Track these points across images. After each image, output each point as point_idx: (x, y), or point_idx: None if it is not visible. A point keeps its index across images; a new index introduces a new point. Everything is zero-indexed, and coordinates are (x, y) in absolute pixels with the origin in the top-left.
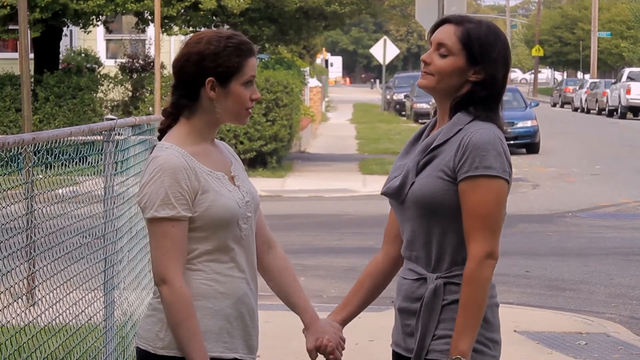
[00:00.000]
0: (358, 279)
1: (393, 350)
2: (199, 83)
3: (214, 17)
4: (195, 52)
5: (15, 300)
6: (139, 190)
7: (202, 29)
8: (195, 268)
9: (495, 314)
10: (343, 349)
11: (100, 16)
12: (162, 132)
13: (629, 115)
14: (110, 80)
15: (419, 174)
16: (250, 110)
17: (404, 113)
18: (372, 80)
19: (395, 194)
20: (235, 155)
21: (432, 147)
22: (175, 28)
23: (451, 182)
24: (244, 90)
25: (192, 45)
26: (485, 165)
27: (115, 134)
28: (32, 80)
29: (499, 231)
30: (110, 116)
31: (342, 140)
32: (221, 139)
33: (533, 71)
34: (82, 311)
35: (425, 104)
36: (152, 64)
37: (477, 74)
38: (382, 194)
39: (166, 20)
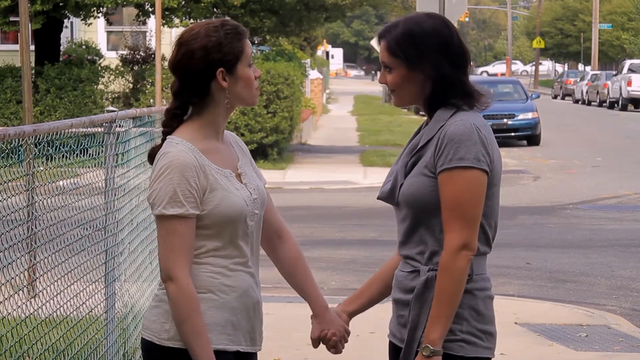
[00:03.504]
0: (374, 274)
1: (390, 341)
2: (208, 77)
3: (215, 9)
4: (199, 48)
5: (16, 292)
6: (149, 185)
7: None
8: (202, 262)
9: (489, 305)
10: (346, 341)
11: (101, 8)
12: (165, 126)
13: (630, 107)
14: (111, 72)
15: (407, 175)
16: (257, 89)
17: None
18: (373, 72)
19: (388, 197)
20: (243, 147)
21: (417, 147)
22: (176, 20)
23: (435, 178)
24: (249, 71)
25: (191, 42)
26: (458, 157)
27: (116, 126)
28: (33, 72)
29: (476, 222)
30: (111, 108)
31: (343, 132)
32: None
33: (534, 63)
34: (83, 303)
35: None
36: (152, 55)
37: (424, 72)
38: (377, 199)
39: (167, 12)
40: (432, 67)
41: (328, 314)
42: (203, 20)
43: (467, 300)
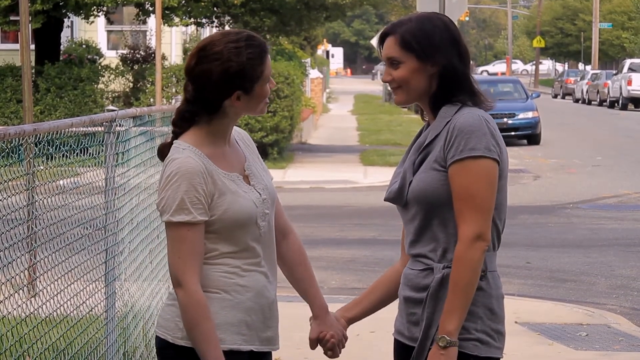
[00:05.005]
0: (375, 281)
1: (395, 339)
2: (224, 98)
3: (215, 9)
4: (220, 71)
5: (16, 292)
6: (158, 192)
7: (204, 21)
8: (215, 263)
9: (501, 305)
10: (344, 346)
11: (102, 7)
12: (176, 135)
13: (630, 106)
14: (111, 71)
15: (416, 172)
16: (268, 100)
17: None
18: (373, 72)
19: (397, 197)
20: (250, 143)
21: (425, 144)
22: (176, 19)
23: (446, 172)
24: (265, 89)
25: (213, 62)
26: (469, 147)
27: (116, 125)
28: (33, 71)
29: (490, 212)
30: (111, 107)
31: (343, 131)
32: None
33: (534, 62)
34: (83, 302)
35: None
36: (153, 55)
37: (434, 66)
38: (385, 200)
39: (167, 11)
40: (445, 58)
41: (328, 316)
42: (225, 29)
43: (481, 298)
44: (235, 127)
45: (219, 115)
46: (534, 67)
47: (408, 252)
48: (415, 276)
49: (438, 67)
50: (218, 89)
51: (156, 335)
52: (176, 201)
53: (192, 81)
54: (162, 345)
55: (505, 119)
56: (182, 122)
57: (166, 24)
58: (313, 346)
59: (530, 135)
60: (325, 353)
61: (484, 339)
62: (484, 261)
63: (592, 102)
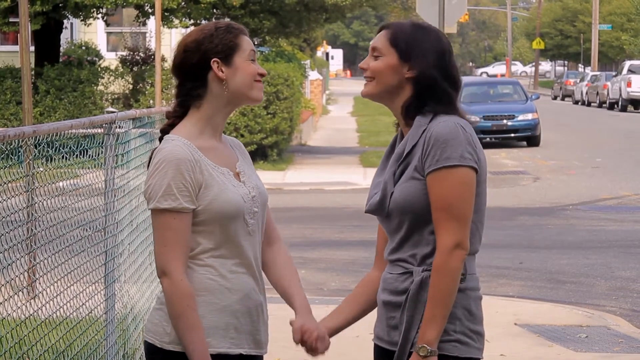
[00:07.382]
0: (352, 292)
1: (375, 345)
2: (204, 68)
3: (214, 10)
4: (191, 41)
5: (15, 293)
6: (145, 181)
7: (203, 22)
8: (201, 264)
9: (479, 305)
10: (326, 348)
11: (101, 9)
12: (164, 132)
13: (630, 108)
14: (110, 73)
15: (397, 183)
16: (261, 85)
17: None
18: None
19: (378, 209)
20: (244, 152)
21: (404, 155)
22: (176, 21)
23: (425, 181)
24: (250, 64)
25: (185, 39)
26: (445, 156)
27: (116, 127)
28: (33, 73)
29: (468, 220)
30: (110, 109)
31: (343, 133)
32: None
33: (534, 64)
34: (83, 304)
35: None
36: (152, 56)
37: (411, 70)
38: (365, 212)
39: (167, 13)
40: (423, 67)
41: (310, 315)
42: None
43: (460, 299)
44: (231, 137)
45: (208, 99)
46: (533, 68)
47: (387, 257)
48: (395, 280)
49: (414, 73)
50: (195, 57)
51: (144, 340)
52: (162, 187)
53: (174, 68)
54: (150, 350)
55: (504, 121)
56: (171, 122)
57: (166, 26)
58: (296, 339)
59: (529, 137)
60: (309, 349)
61: (463, 340)
62: (463, 264)
63: (592, 104)
